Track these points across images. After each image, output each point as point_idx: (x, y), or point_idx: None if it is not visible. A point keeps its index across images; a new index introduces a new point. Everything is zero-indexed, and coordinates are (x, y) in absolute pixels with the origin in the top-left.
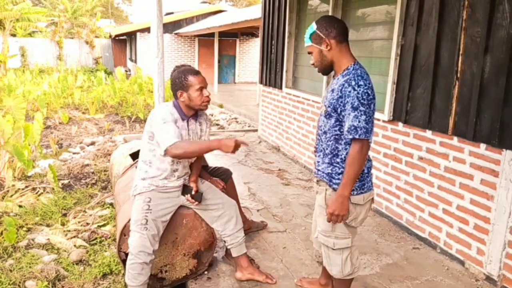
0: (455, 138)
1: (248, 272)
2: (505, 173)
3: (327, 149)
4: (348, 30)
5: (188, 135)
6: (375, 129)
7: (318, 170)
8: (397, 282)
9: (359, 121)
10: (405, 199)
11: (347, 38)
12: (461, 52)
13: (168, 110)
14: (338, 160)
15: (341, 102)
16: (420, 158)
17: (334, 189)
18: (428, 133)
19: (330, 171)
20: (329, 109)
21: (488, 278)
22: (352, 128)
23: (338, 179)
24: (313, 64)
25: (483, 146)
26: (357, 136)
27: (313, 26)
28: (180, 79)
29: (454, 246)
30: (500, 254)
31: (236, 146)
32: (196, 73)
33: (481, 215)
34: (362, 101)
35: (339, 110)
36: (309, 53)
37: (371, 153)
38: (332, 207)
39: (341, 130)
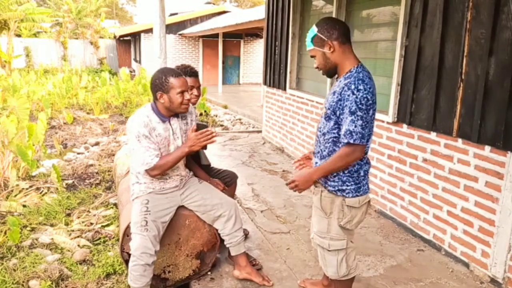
0: (460, 140)
1: (246, 272)
2: (509, 175)
3: (324, 151)
4: (349, 30)
5: (174, 134)
6: (379, 131)
7: None
8: (401, 284)
9: (355, 126)
10: (410, 201)
11: (349, 38)
12: (465, 54)
13: (143, 118)
14: None
15: (340, 105)
16: (425, 160)
17: (329, 191)
18: (433, 135)
19: None
20: (329, 111)
21: (493, 281)
22: (348, 132)
23: (333, 181)
24: (317, 68)
25: (487, 148)
26: (351, 141)
27: (314, 29)
28: (160, 80)
29: (458, 248)
30: (505, 257)
31: (201, 138)
32: (178, 74)
33: (486, 217)
34: (360, 106)
35: (338, 113)
36: (312, 56)
37: (374, 155)
38: (297, 176)
39: (340, 133)
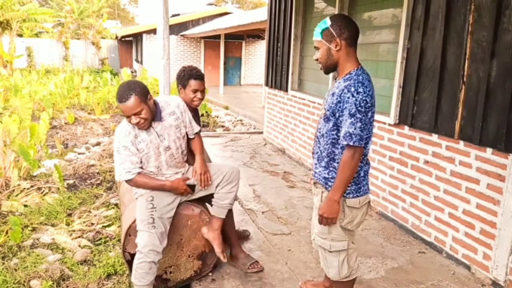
0: (461, 142)
1: (212, 235)
2: (511, 177)
3: (323, 152)
4: (359, 34)
5: (160, 136)
6: (380, 133)
7: (315, 172)
8: (403, 286)
9: (354, 128)
10: (411, 203)
11: (356, 42)
12: (467, 56)
13: (126, 126)
14: (335, 164)
15: (340, 107)
16: (426, 162)
17: None
18: (434, 137)
19: (326, 175)
20: (328, 112)
21: (494, 283)
22: (348, 134)
23: (333, 183)
24: (316, 60)
25: (489, 150)
26: (351, 143)
27: (327, 22)
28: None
29: (460, 250)
30: (506, 259)
31: (184, 189)
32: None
33: (488, 220)
34: (359, 108)
35: (337, 114)
36: (316, 47)
37: (376, 157)
38: (321, 210)
39: (339, 134)
